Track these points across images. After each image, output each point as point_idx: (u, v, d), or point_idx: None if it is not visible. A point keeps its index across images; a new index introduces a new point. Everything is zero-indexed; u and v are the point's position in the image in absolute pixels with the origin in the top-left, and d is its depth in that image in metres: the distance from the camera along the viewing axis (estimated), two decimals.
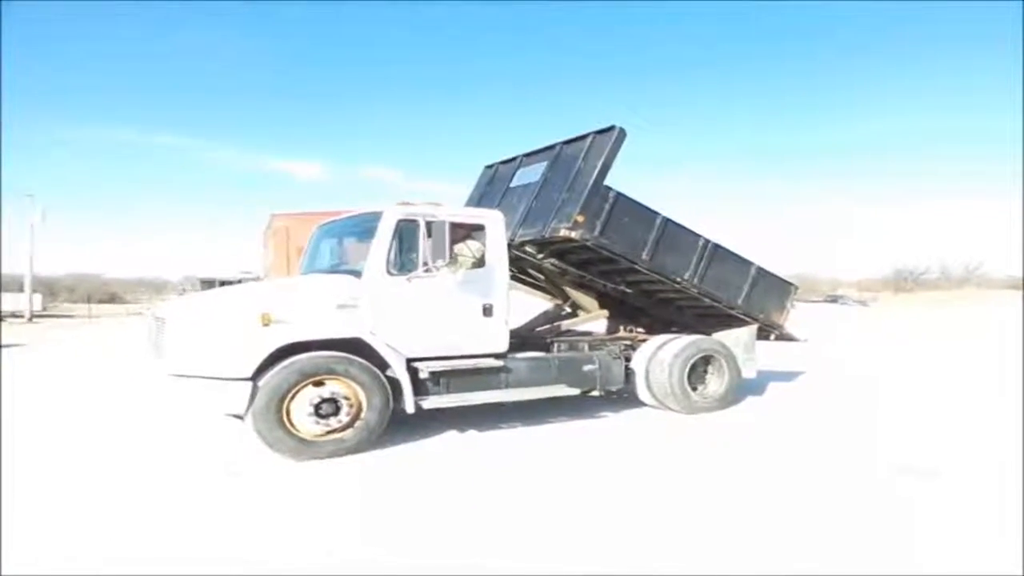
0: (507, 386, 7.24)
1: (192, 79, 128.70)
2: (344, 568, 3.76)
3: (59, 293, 57.51)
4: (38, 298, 41.63)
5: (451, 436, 7.03)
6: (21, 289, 39.89)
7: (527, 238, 8.10)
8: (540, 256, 8.45)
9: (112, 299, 60.11)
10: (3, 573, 3.44)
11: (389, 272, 6.53)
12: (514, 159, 9.42)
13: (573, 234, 7.46)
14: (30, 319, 35.91)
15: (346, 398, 6.17)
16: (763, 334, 9.67)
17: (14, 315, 36.95)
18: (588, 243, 7.67)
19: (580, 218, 7.45)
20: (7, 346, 19.44)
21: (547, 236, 7.77)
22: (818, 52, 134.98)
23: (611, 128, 7.77)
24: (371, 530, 4.37)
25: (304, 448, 6.00)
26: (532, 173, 8.75)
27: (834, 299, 56.08)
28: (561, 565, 3.79)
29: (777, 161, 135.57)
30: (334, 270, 7.12)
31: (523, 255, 8.23)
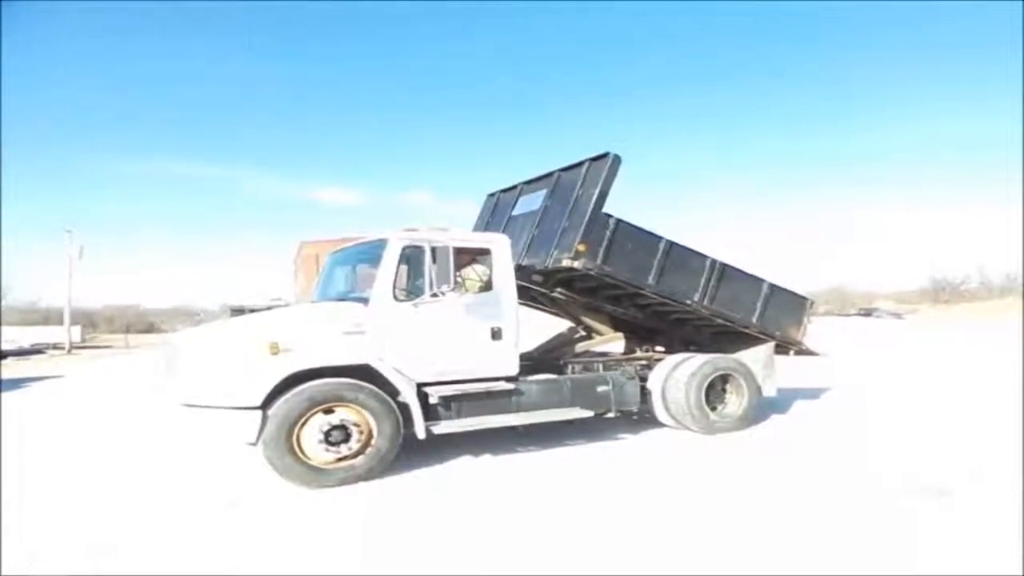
0: (519, 409, 7.20)
1: (229, 109, 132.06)
2: None
3: (98, 324, 59.21)
4: (77, 330, 42.92)
5: (465, 461, 6.99)
6: (61, 322, 41.14)
7: (531, 268, 8.06)
8: (546, 286, 8.37)
9: (149, 329, 61.65)
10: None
11: (396, 298, 6.58)
12: (515, 187, 9.44)
13: (576, 264, 7.42)
14: (69, 351, 36.95)
15: (356, 425, 6.19)
16: (782, 350, 9.50)
17: (55, 347, 38.13)
18: (592, 272, 7.62)
19: (582, 247, 7.41)
20: (47, 377, 20.04)
21: (550, 267, 7.75)
22: (845, 53, 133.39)
23: (605, 155, 7.71)
24: (378, 557, 4.35)
25: (315, 475, 6.03)
26: (533, 201, 8.75)
27: (868, 312, 54.95)
28: None
29: (804, 171, 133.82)
30: (344, 297, 7.20)
31: (529, 284, 8.17)
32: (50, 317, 55.24)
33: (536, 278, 8.11)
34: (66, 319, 39.94)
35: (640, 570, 4.02)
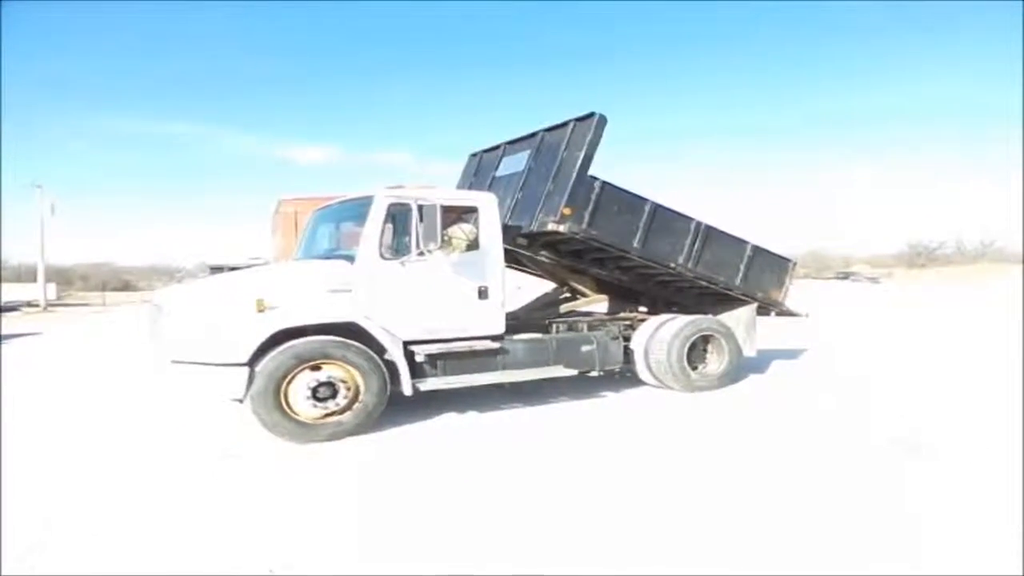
0: (504, 368, 7.29)
1: (202, 67, 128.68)
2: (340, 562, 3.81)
3: (74, 282, 58.15)
4: (52, 287, 42.18)
5: (451, 418, 7.08)
6: (35, 279, 40.40)
7: (516, 230, 7.98)
8: (531, 249, 8.33)
9: (125, 287, 60.75)
10: (3, 573, 3.49)
11: (382, 256, 6.56)
12: (497, 147, 9.28)
13: (561, 228, 7.38)
14: (45, 308, 36.40)
15: (343, 381, 6.23)
16: (764, 311, 9.65)
17: (30, 304, 37.46)
18: (577, 236, 7.60)
19: (567, 211, 7.35)
20: (25, 334, 19.78)
21: (535, 230, 7.69)
22: (825, 17, 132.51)
23: (591, 115, 7.58)
24: (369, 514, 4.43)
25: (303, 431, 6.08)
26: (516, 162, 8.62)
27: (845, 276, 55.66)
28: (559, 554, 3.81)
29: (783, 136, 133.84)
30: (329, 255, 7.15)
31: (514, 247, 8.10)
32: (22, 275, 54.20)
33: (521, 241, 8.04)
34: (40, 276, 39.20)
35: (624, 531, 4.12)
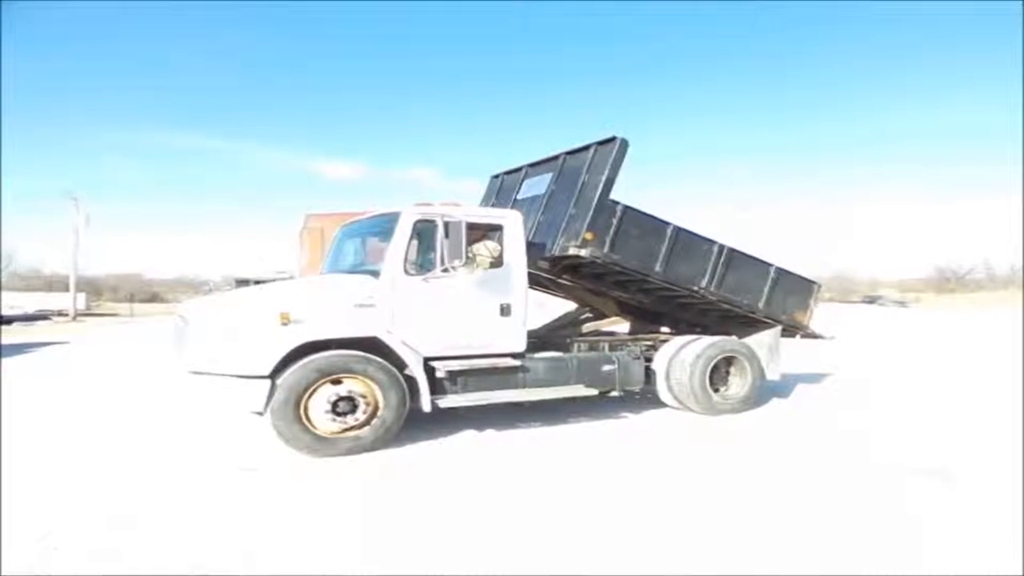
0: (525, 386, 7.25)
1: (230, 81, 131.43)
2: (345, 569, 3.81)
3: (103, 292, 59.40)
4: (82, 297, 43.08)
5: (469, 435, 7.06)
6: (67, 289, 41.29)
7: (537, 254, 7.89)
8: (552, 272, 8.25)
9: (153, 298, 61.88)
10: (3, 573, 3.50)
11: (407, 272, 6.59)
12: (519, 169, 9.28)
13: (583, 252, 7.34)
14: (74, 318, 37.13)
15: (363, 396, 6.25)
16: (788, 333, 9.52)
17: (60, 313, 38.28)
18: (599, 260, 7.56)
19: (589, 236, 7.32)
20: (53, 343, 20.19)
21: (556, 254, 7.65)
22: (852, 39, 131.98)
23: (612, 139, 7.56)
24: (376, 528, 4.42)
25: (321, 445, 6.10)
26: (538, 185, 8.59)
27: (872, 300, 54.85)
28: (567, 566, 3.78)
29: (811, 158, 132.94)
30: (354, 270, 7.20)
31: (536, 270, 7.97)
32: (53, 284, 55.47)
33: (542, 264, 7.96)
34: (72, 286, 40.08)
35: (639, 554, 4.06)
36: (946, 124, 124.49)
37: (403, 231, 6.61)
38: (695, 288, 8.37)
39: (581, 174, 7.73)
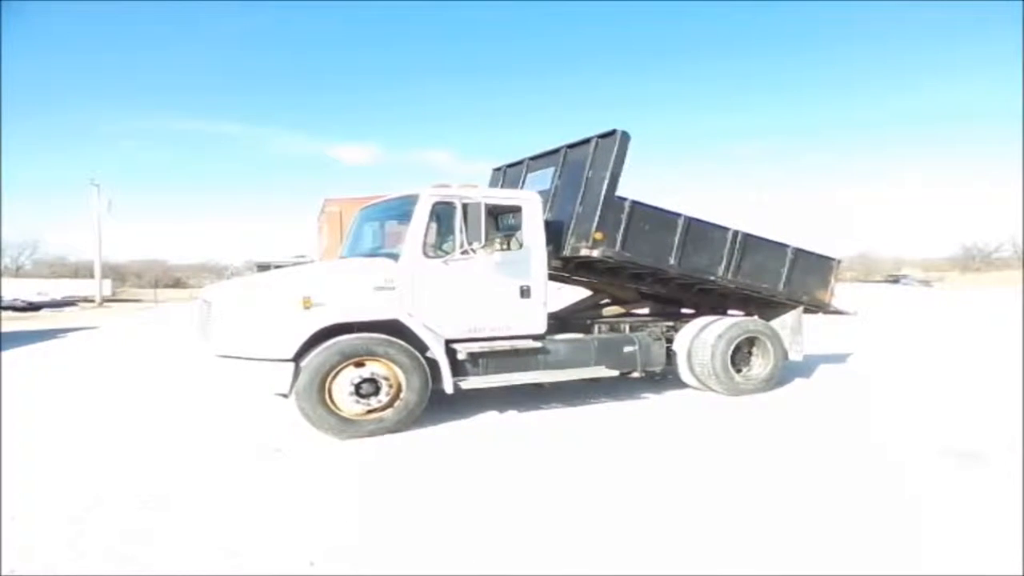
0: (546, 367, 7.27)
1: (241, 66, 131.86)
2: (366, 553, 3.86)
3: (128, 278, 60.31)
4: (107, 283, 43.77)
5: (491, 416, 7.09)
6: (92, 275, 41.96)
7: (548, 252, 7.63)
8: (565, 270, 8.08)
9: (176, 284, 62.75)
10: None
11: (426, 254, 6.61)
12: (520, 162, 9.14)
13: (594, 253, 7.24)
14: (100, 304, 37.77)
15: (386, 378, 6.31)
16: (811, 310, 9.42)
17: (86, 300, 38.97)
18: (611, 258, 7.46)
19: (599, 236, 7.19)
20: (82, 328, 20.58)
21: (568, 254, 7.54)
22: (880, 15, 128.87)
23: (612, 132, 7.38)
24: (400, 507, 4.48)
25: (345, 426, 6.17)
26: (541, 179, 8.42)
27: (895, 279, 54.04)
28: (583, 552, 3.80)
29: (833, 135, 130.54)
30: (374, 253, 7.24)
31: (549, 269, 7.63)
32: (79, 271, 56.43)
33: (555, 263, 7.74)
34: (97, 272, 40.70)
35: (652, 538, 4.07)
36: (976, 103, 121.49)
37: (421, 214, 6.61)
38: (712, 277, 8.25)
39: (585, 169, 7.56)
